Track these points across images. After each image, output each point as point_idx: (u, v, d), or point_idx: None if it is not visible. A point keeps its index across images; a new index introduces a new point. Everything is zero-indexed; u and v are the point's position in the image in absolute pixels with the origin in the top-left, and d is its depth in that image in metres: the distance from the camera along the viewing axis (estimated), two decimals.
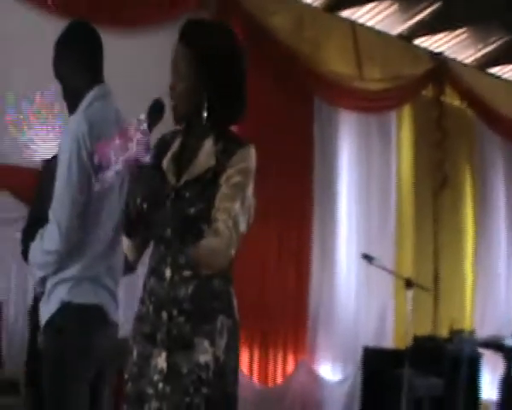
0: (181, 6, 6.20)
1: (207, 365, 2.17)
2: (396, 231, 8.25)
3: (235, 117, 2.37)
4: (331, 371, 7.44)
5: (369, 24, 8.13)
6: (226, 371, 2.22)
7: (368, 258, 6.35)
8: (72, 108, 2.91)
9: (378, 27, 8.21)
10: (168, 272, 2.20)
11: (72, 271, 2.75)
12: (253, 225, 6.94)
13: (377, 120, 8.25)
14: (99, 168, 2.13)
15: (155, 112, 2.16)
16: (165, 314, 2.19)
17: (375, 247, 7.74)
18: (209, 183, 2.21)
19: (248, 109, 7.67)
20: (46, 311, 2.78)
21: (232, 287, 2.29)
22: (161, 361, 2.18)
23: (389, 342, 7.82)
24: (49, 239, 2.74)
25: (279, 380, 7.06)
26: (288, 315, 7.15)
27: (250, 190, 2.25)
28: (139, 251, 2.35)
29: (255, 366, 6.94)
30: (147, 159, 2.10)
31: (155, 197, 2.19)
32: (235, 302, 2.31)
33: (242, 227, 2.20)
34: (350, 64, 7.82)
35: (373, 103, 8.11)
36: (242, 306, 7.11)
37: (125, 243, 2.34)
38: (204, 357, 2.17)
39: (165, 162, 2.28)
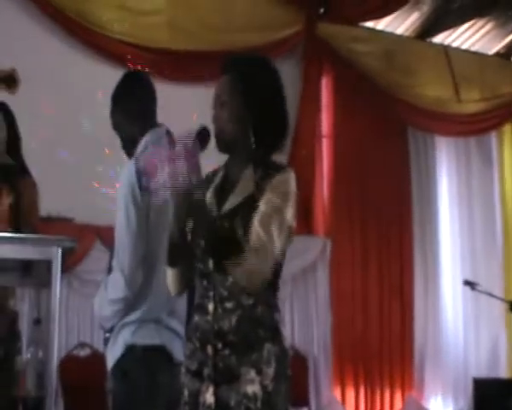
0: (270, 55, 6.24)
1: (255, 395, 2.12)
2: (503, 255, 8.00)
3: (277, 145, 2.33)
4: (441, 405, 7.30)
5: (464, 46, 7.95)
6: (276, 400, 2.15)
7: (470, 284, 6.21)
8: (130, 156, 2.98)
9: (473, 48, 8.02)
10: (211, 306, 2.19)
11: (136, 314, 2.79)
12: (354, 261, 6.93)
13: (477, 142, 8.05)
14: (147, 179, 2.13)
15: (201, 138, 2.16)
16: (210, 348, 2.17)
17: (482, 272, 7.57)
18: (249, 209, 2.19)
19: (343, 146, 7.70)
20: (112, 355, 2.82)
21: (277, 313, 2.22)
22: (209, 396, 2.16)
23: (503, 372, 7.59)
24: (114, 288, 2.78)
25: None
26: (393, 350, 7.08)
27: (289, 213, 2.20)
28: (182, 282, 2.31)
29: (362, 405, 6.90)
30: (193, 177, 2.09)
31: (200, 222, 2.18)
32: (281, 329, 2.23)
33: (278, 248, 2.16)
34: (445, 89, 7.66)
35: (472, 126, 7.91)
36: (346, 344, 7.13)
37: (169, 274, 2.31)
38: (251, 387, 2.13)
39: (208, 196, 2.28)
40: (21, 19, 5.77)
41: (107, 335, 2.88)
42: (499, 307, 7.30)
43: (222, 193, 2.29)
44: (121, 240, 2.80)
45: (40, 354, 3.17)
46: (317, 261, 6.75)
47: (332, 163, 7.10)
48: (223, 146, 2.28)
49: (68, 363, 5.34)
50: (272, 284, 2.23)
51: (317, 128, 6.99)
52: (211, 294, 2.20)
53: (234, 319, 2.17)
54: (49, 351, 3.16)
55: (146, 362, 2.77)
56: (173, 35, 6.21)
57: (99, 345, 5.62)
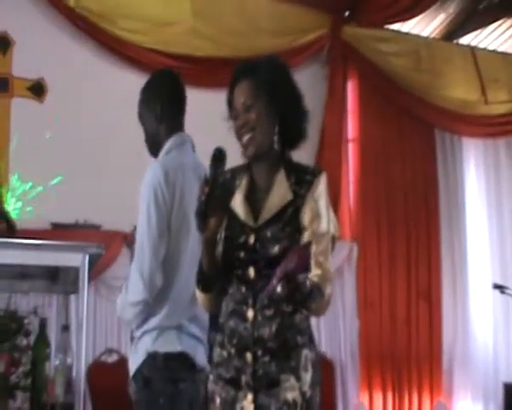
0: (296, 59, 6.22)
1: (295, 401, 2.14)
2: None
3: (297, 144, 2.32)
4: None
5: (491, 47, 7.87)
6: (313, 406, 2.18)
7: (500, 287, 6.18)
8: (152, 152, 3.01)
9: (501, 49, 7.93)
10: (251, 313, 2.18)
11: (156, 320, 2.79)
12: (381, 265, 6.83)
13: (506, 144, 7.95)
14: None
15: (218, 160, 2.17)
16: (249, 356, 2.16)
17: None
18: (290, 218, 2.19)
19: (370, 149, 7.66)
20: (134, 362, 2.82)
21: (310, 320, 2.25)
22: (248, 404, 2.15)
23: None
24: (133, 290, 2.78)
25: None
26: (421, 355, 6.99)
27: (333, 222, 2.27)
28: (217, 302, 2.28)
29: None
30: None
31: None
32: (313, 335, 2.27)
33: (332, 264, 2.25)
34: (472, 90, 7.58)
35: (500, 128, 7.81)
36: (374, 349, 7.05)
37: (201, 297, 2.30)
38: (291, 394, 2.14)
39: (238, 204, 2.25)
40: (50, 29, 5.83)
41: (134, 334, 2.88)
42: None
43: (253, 200, 2.26)
44: (141, 242, 2.79)
45: (69, 360, 3.19)
46: (343, 266, 6.72)
47: (358, 166, 7.06)
48: (255, 151, 2.24)
49: (96, 369, 5.37)
50: None
51: (343, 131, 6.96)
52: (250, 301, 2.19)
53: (274, 326, 2.16)
54: (78, 357, 3.18)
55: (168, 370, 2.76)
56: (197, 42, 6.22)
57: (126, 351, 5.65)
